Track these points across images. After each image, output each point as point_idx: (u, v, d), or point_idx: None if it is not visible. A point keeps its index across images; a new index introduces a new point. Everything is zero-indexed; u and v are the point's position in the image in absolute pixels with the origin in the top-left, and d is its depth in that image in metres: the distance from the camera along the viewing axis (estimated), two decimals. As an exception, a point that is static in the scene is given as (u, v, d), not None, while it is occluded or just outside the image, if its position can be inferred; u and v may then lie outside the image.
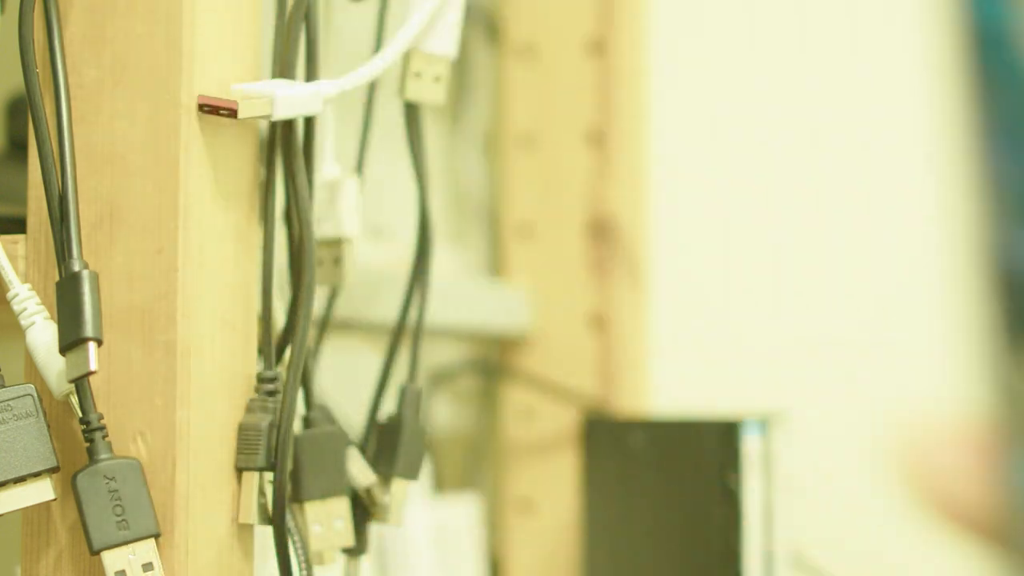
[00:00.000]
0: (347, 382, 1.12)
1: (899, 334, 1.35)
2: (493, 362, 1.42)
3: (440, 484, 1.34)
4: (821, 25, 1.39)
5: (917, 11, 1.31)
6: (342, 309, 1.05)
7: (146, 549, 0.71)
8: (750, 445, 1.19)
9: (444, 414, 1.39)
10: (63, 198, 0.72)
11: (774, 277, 1.39)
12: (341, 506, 0.81)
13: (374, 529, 0.88)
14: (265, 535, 0.78)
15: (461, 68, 1.42)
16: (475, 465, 1.42)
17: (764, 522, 1.21)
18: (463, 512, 1.30)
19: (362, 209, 0.89)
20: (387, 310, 0.98)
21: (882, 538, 1.34)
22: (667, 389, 1.40)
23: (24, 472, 0.70)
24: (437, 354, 1.37)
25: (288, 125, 0.78)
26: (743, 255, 1.40)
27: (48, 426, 0.71)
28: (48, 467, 0.71)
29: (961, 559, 1.27)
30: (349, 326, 1.13)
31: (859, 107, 1.37)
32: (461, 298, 1.30)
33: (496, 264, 1.43)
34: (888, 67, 1.37)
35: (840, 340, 1.37)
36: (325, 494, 0.80)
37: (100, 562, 0.71)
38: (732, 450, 1.19)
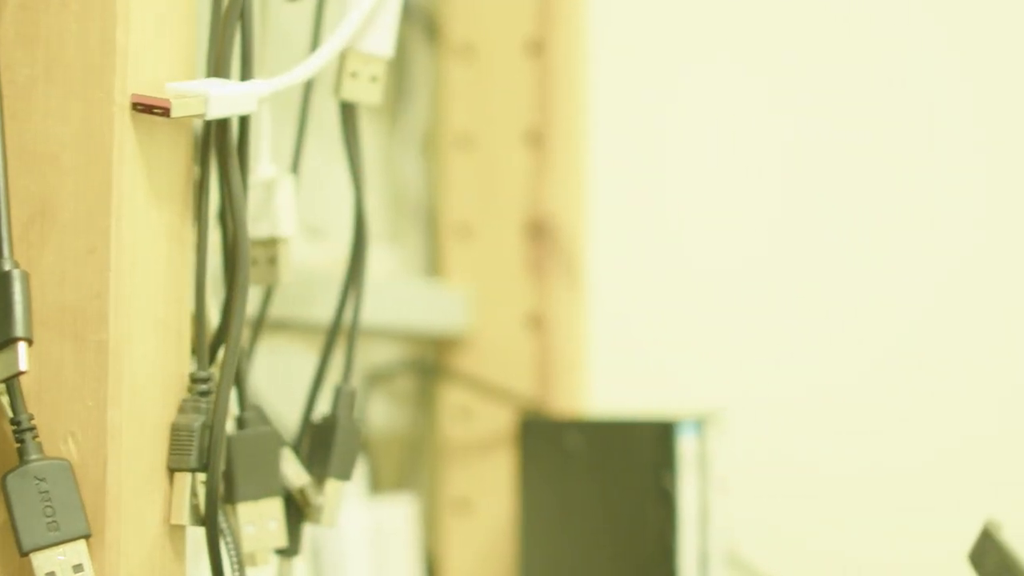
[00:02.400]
0: (284, 382, 1.12)
1: (835, 333, 1.36)
2: (430, 362, 1.42)
3: (377, 484, 1.33)
4: (758, 24, 1.39)
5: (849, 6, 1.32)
6: (278, 309, 1.04)
7: (76, 550, 0.71)
8: (685, 445, 1.20)
9: (381, 414, 1.38)
10: (-6, 197, 0.71)
11: (710, 277, 1.39)
12: (274, 507, 0.81)
13: (308, 530, 0.88)
14: (197, 536, 0.77)
15: (400, 68, 1.42)
16: (412, 465, 1.42)
17: (699, 521, 1.21)
18: (400, 512, 1.30)
19: (298, 209, 0.89)
20: (323, 310, 0.98)
21: (817, 536, 1.35)
22: (604, 389, 1.40)
23: (-48, 473, 0.70)
24: (374, 354, 1.37)
25: (223, 124, 0.78)
26: (680, 256, 1.40)
27: (-23, 427, 0.71)
28: (-23, 468, 0.70)
29: (893, 555, 1.27)
30: (285, 326, 1.13)
31: (794, 106, 1.38)
32: (399, 298, 1.30)
33: (434, 264, 1.43)
34: (823, 65, 1.37)
35: (776, 340, 1.37)
36: (258, 495, 0.80)
37: (30, 563, 0.70)
38: (667, 450, 1.19)
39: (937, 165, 1.34)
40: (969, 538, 0.93)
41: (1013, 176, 1.32)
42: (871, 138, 1.36)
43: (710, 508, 1.23)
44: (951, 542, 1.00)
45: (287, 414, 1.03)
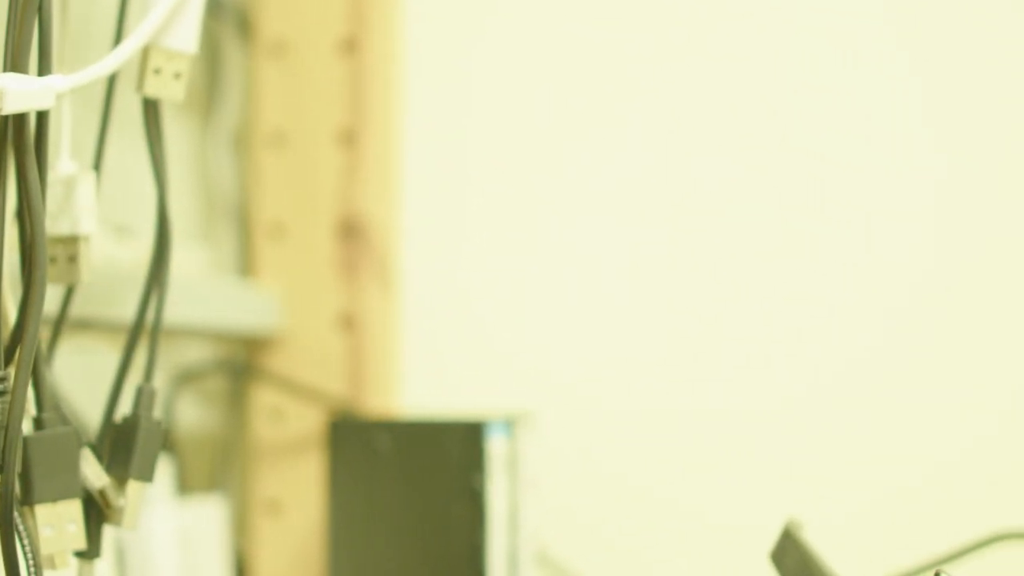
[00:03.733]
0: (90, 382, 1.10)
1: (646, 333, 1.37)
2: (242, 362, 1.40)
3: (186, 485, 1.32)
4: (574, 22, 1.40)
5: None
6: (82, 308, 1.03)
7: None
8: (495, 446, 1.20)
9: (191, 415, 1.37)
10: None
11: (522, 278, 1.40)
12: (73, 509, 0.80)
13: (112, 532, 0.87)
14: (-7, 539, 0.76)
15: (213, 65, 1.40)
16: (222, 466, 1.41)
17: (509, 521, 1.22)
18: (209, 514, 1.28)
19: (103, 207, 0.88)
20: (130, 309, 0.96)
21: (626, 535, 1.36)
22: (416, 390, 1.40)
23: None
24: (185, 354, 1.35)
25: (20, 119, 0.76)
26: (492, 256, 1.40)
27: None
28: None
29: (700, 554, 1.29)
30: (91, 325, 1.11)
31: (613, 103, 1.39)
32: (210, 297, 1.29)
33: (246, 264, 1.42)
34: (646, 60, 1.39)
35: (587, 340, 1.38)
36: (56, 497, 0.79)
37: None
38: (477, 451, 1.19)
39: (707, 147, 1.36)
40: (777, 533, 0.94)
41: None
42: (688, 149, 1.37)
43: (520, 508, 1.23)
44: (762, 540, 1.02)
45: (93, 415, 1.01)
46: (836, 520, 1.30)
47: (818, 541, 0.93)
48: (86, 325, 1.09)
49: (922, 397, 1.31)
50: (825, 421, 1.33)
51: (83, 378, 1.11)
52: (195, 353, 1.37)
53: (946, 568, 1.07)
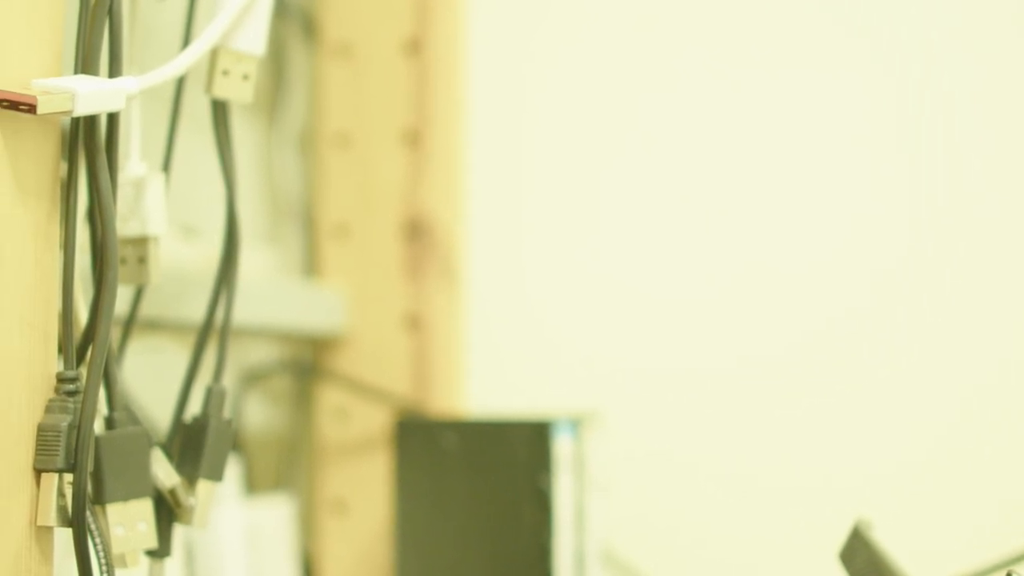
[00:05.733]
0: (158, 382, 1.11)
1: (711, 332, 1.37)
2: (308, 362, 1.41)
3: (253, 485, 1.33)
4: (636, 22, 1.40)
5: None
6: (152, 308, 1.04)
7: (-61, 553, 0.70)
8: (562, 446, 1.20)
9: (258, 414, 1.38)
10: None
11: (587, 278, 1.40)
12: (144, 508, 0.80)
13: (181, 531, 0.87)
14: (66, 538, 0.77)
15: (278, 67, 1.41)
16: (289, 466, 1.41)
17: (575, 521, 1.22)
18: (276, 513, 1.29)
19: (171, 208, 0.88)
20: (198, 309, 0.97)
21: (692, 534, 1.36)
22: (481, 390, 1.40)
23: None
24: (252, 354, 1.36)
25: (91, 121, 0.77)
26: (557, 255, 1.40)
27: None
28: None
29: (766, 549, 1.28)
30: (160, 326, 1.11)
31: (678, 102, 1.39)
32: (276, 298, 1.29)
33: (312, 264, 1.43)
34: (702, 59, 1.38)
35: (652, 339, 1.38)
36: (128, 496, 0.79)
37: None
38: (544, 451, 1.19)
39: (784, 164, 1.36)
40: (843, 533, 0.94)
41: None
42: (752, 140, 1.37)
43: (586, 508, 1.23)
44: (825, 534, 1.01)
45: (161, 414, 1.02)
46: (915, 511, 1.29)
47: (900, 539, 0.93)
48: (155, 325, 1.09)
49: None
50: (911, 419, 1.32)
51: (152, 378, 1.12)
52: (261, 353, 1.37)
53: (1018, 569, 1.06)
